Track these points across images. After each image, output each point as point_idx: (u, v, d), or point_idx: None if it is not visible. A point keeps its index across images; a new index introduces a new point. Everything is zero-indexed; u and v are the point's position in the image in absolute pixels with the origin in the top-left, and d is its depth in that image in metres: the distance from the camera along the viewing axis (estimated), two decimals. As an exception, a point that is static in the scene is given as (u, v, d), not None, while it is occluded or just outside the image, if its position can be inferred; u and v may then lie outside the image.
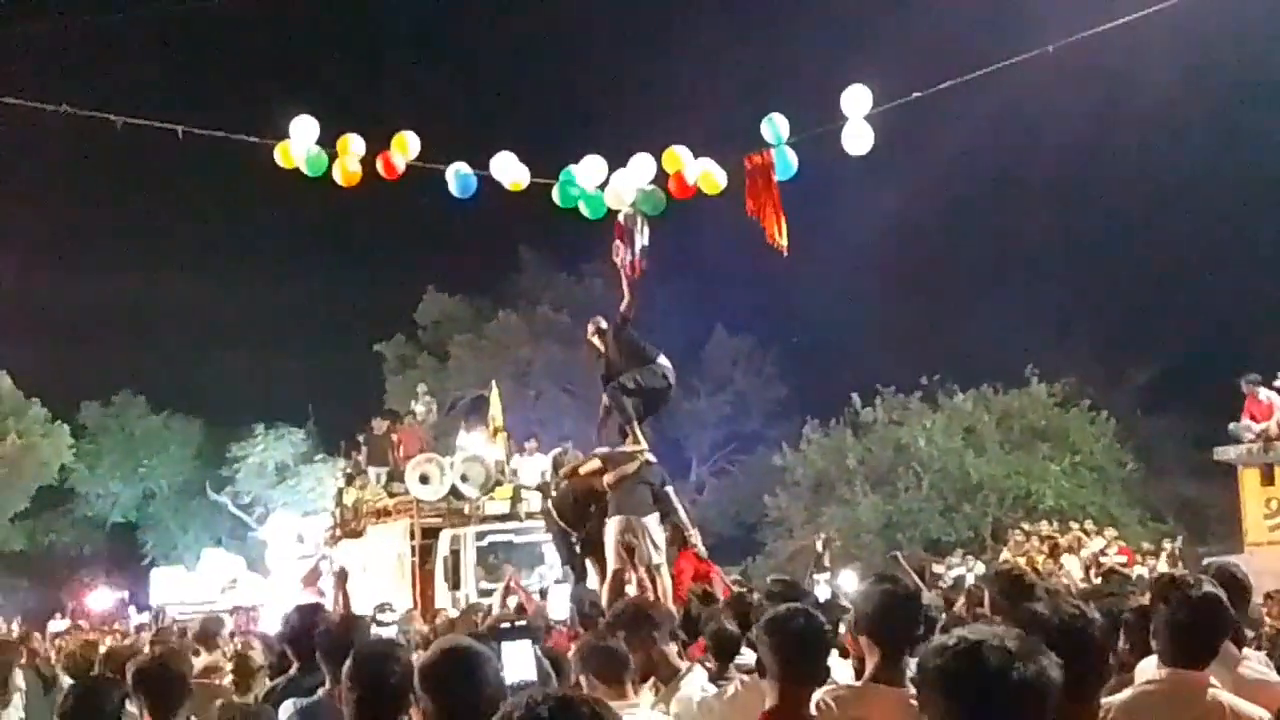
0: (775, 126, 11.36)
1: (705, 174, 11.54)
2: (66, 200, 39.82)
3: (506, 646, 4.06)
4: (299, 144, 11.62)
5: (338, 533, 22.77)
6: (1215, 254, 31.85)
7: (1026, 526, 23.39)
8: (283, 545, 28.13)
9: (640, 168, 11.51)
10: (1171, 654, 3.90)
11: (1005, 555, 21.12)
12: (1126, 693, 3.87)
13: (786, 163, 11.46)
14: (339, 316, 42.01)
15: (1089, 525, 22.56)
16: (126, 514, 44.06)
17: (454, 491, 19.11)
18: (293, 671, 5.72)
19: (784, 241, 11.60)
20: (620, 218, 11.44)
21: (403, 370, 40.01)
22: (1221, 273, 31.86)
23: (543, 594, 14.01)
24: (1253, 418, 17.04)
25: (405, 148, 12.04)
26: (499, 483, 19.40)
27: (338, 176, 11.82)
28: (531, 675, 4.08)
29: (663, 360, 11.29)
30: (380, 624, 5.77)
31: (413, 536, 19.03)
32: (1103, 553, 20.49)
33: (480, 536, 18.48)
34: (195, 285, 41.05)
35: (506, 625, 4.85)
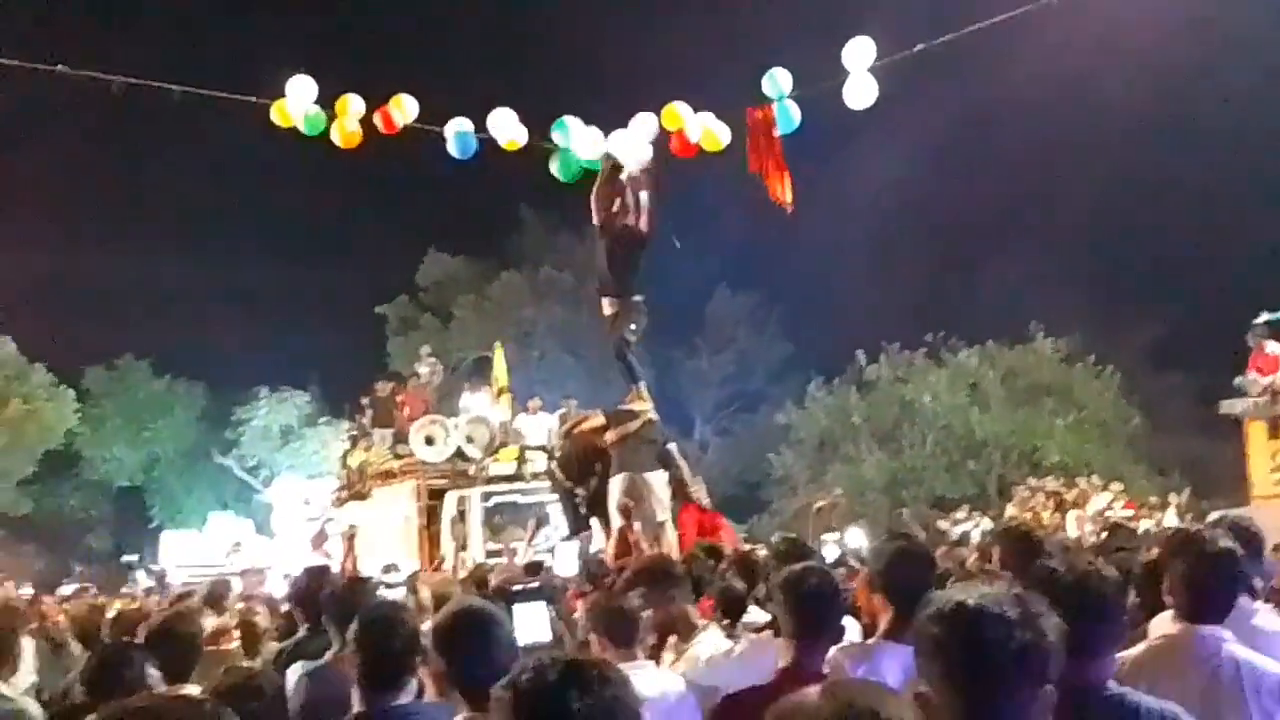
0: (776, 81, 11.23)
1: (707, 131, 11.42)
2: (68, 165, 39.64)
3: (519, 608, 4.05)
4: (296, 103, 11.52)
5: (343, 495, 22.82)
6: (1222, 207, 31.68)
7: (1032, 482, 23.41)
8: (289, 508, 28.20)
9: (641, 126, 11.39)
10: (1186, 608, 3.87)
11: (1011, 511, 21.14)
12: (1140, 647, 3.84)
13: (789, 117, 11.34)
14: (341, 278, 41.94)
15: (1094, 480, 22.56)
16: (132, 478, 44.14)
17: (459, 453, 19.13)
18: (300, 634, 5.72)
19: (788, 198, 11.50)
20: (622, 175, 11.32)
21: (405, 332, 40.01)
22: (1227, 226, 31.69)
23: (550, 552, 14.02)
24: (1259, 370, 16.96)
25: (403, 109, 11.95)
26: (504, 444, 19.41)
27: (336, 137, 11.73)
28: (546, 636, 4.07)
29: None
30: (388, 585, 5.75)
31: (418, 498, 19.08)
32: (1108, 507, 20.51)
33: (486, 497, 18.50)
34: (197, 249, 41.02)
35: (518, 587, 4.83)
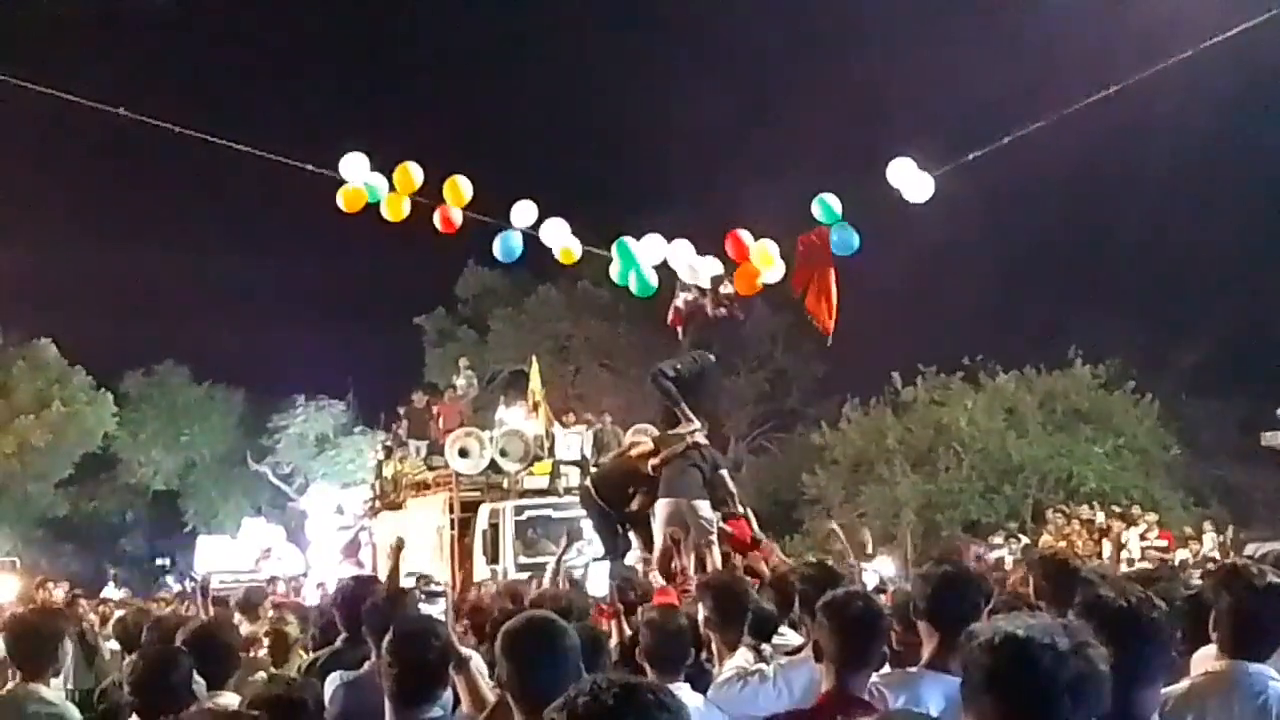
0: (828, 205, 11.33)
1: (761, 251, 11.47)
2: (112, 171, 40.08)
3: None
4: (356, 179, 11.60)
5: (377, 505, 22.91)
6: (1265, 235, 31.34)
7: (1066, 509, 23.21)
8: (322, 516, 28.37)
9: (706, 265, 11.48)
10: (1233, 644, 3.81)
11: (1046, 538, 20.96)
12: (1185, 683, 3.79)
13: (849, 239, 11.43)
14: (379, 289, 42.21)
15: (1133, 510, 22.34)
16: (168, 482, 44.50)
17: (493, 465, 19.14)
18: (338, 644, 5.73)
19: (830, 326, 11.76)
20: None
21: (442, 344, 40.15)
22: (1269, 255, 31.34)
23: (584, 569, 13.99)
24: (1302, 403, 16.80)
25: (458, 192, 12.06)
26: (538, 457, 19.41)
27: (385, 211, 11.85)
28: None
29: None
30: (431, 595, 5.74)
31: (452, 510, 19.10)
32: (1143, 536, 20.32)
33: (519, 511, 18.50)
34: (239, 257, 41.36)
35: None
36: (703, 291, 11.50)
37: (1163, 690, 3.50)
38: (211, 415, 43.89)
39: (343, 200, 11.65)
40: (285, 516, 36.13)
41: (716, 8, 38.52)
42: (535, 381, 21.60)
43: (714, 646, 5.05)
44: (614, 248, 11.94)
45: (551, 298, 39.62)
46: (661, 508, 10.34)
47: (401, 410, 22.98)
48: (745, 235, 11.45)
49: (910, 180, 11.08)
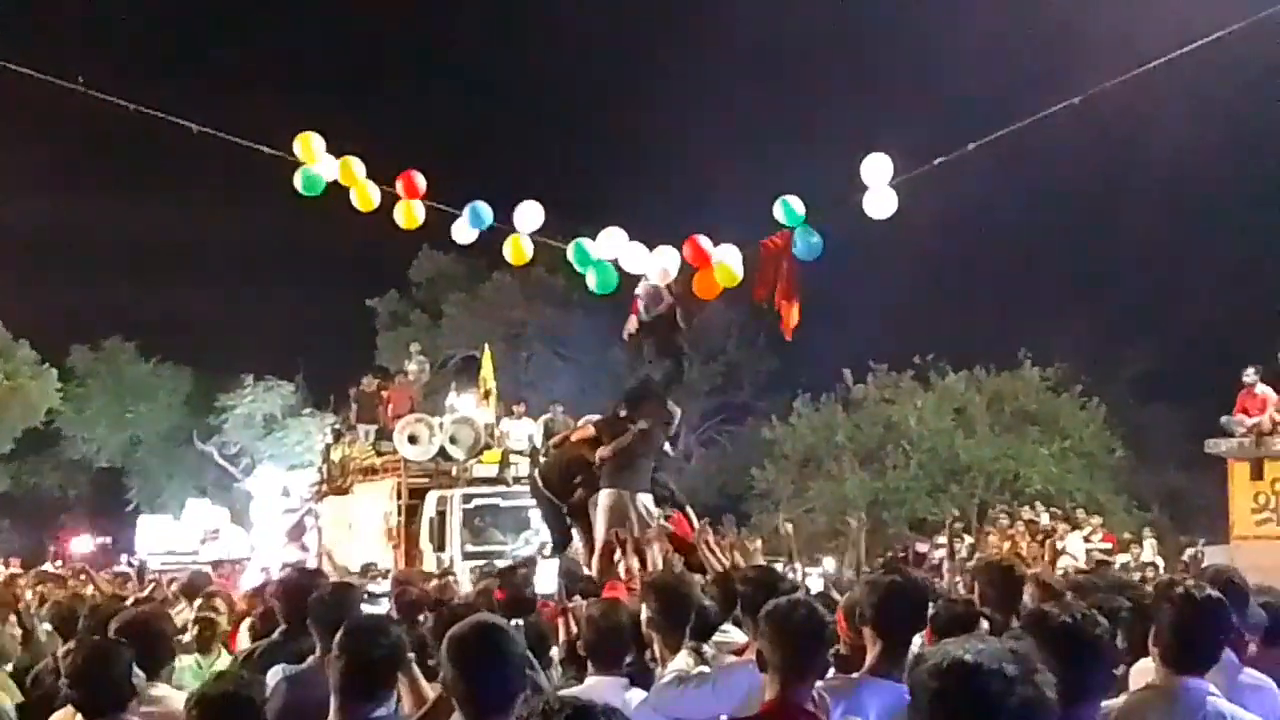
0: (790, 208, 11.13)
1: (721, 265, 11.30)
2: (59, 142, 39.48)
3: None
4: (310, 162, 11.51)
5: (324, 488, 22.76)
6: (1215, 245, 31.81)
7: (1010, 510, 23.42)
8: (268, 498, 28.13)
9: (663, 257, 11.30)
10: (1171, 658, 3.83)
11: (990, 539, 21.14)
12: (1124, 697, 3.81)
13: (810, 243, 11.22)
14: (332, 270, 41.83)
15: (1077, 512, 22.58)
16: (112, 459, 43.96)
17: (442, 452, 19.08)
18: (276, 636, 5.63)
19: (793, 324, 11.62)
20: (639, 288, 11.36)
21: (395, 327, 39.90)
22: (1220, 264, 31.81)
23: (528, 564, 13.92)
24: (1245, 411, 16.99)
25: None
26: (488, 446, 19.36)
27: (356, 201, 11.79)
28: None
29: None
30: (372, 595, 5.69)
31: (399, 496, 19.02)
32: (1087, 539, 20.53)
33: (467, 499, 18.44)
34: (189, 234, 40.86)
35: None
36: (668, 290, 11.38)
37: (1102, 704, 3.53)
38: (158, 393, 43.35)
39: (301, 183, 11.52)
40: (230, 498, 35.81)
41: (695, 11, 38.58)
42: (487, 369, 21.53)
43: (656, 647, 5.02)
44: (570, 249, 11.83)
45: (506, 284, 39.44)
46: (604, 498, 10.20)
47: (351, 394, 22.82)
48: (704, 241, 11.27)
49: (874, 195, 10.99)
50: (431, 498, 18.66)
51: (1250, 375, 17.10)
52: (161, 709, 4.54)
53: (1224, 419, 17.27)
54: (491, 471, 19.08)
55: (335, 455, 22.53)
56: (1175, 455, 29.14)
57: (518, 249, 12.39)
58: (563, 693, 3.50)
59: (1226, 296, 30.24)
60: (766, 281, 11.50)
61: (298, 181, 11.55)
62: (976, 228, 35.37)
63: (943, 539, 22.64)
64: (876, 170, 10.91)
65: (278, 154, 11.46)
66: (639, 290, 11.46)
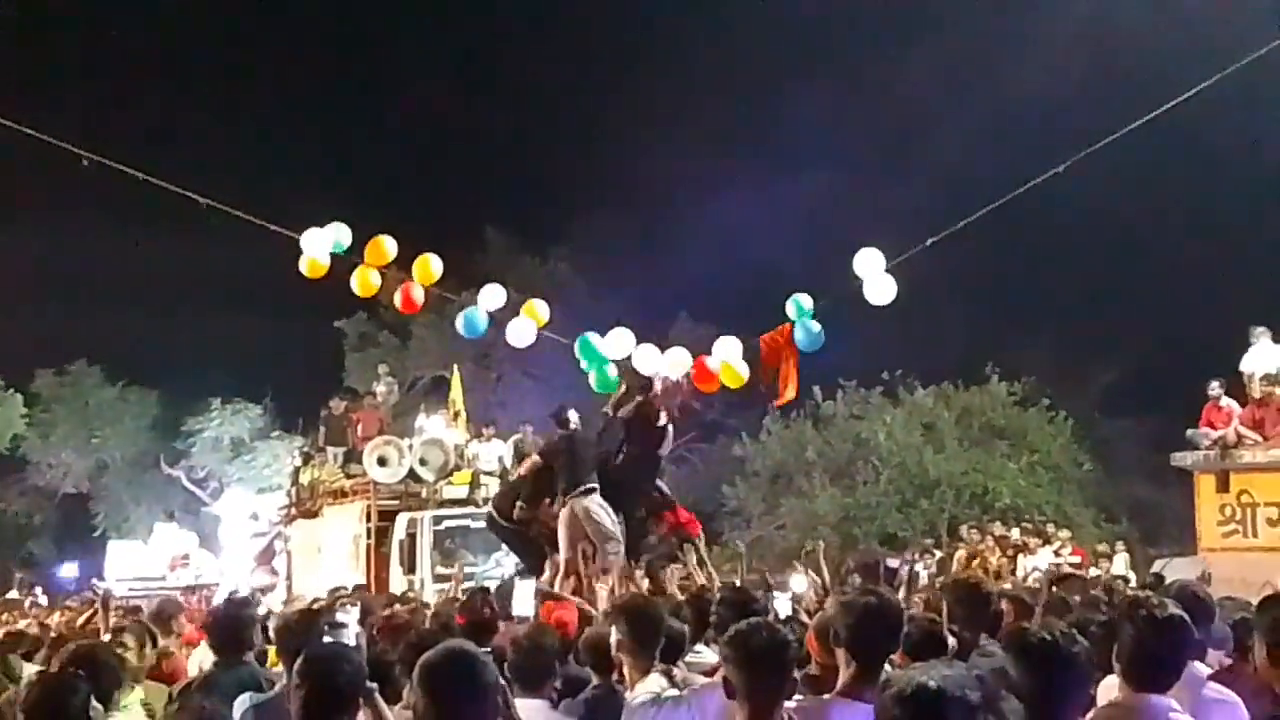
0: (800, 304, 11.70)
1: (727, 367, 11.86)
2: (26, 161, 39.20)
3: None
4: (321, 249, 12.44)
5: (293, 512, 22.63)
6: (1181, 258, 32.09)
7: (977, 525, 23.51)
8: (237, 522, 27.91)
9: (676, 357, 11.97)
10: (1135, 676, 3.86)
11: (960, 554, 21.20)
12: (1089, 715, 3.83)
13: (813, 335, 11.75)
14: (300, 291, 41.58)
15: (1047, 527, 22.69)
16: (79, 485, 43.48)
17: (412, 474, 19.02)
18: (210, 667, 5.56)
19: (789, 397, 12.15)
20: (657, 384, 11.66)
21: (363, 348, 39.71)
22: (1186, 277, 32.08)
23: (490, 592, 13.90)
24: (1210, 424, 17.14)
25: (428, 272, 12.74)
26: (458, 467, 19.32)
27: (355, 286, 12.08)
28: None
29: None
30: (335, 626, 5.63)
31: (369, 519, 18.94)
32: (1057, 553, 20.61)
33: (437, 521, 18.39)
34: (155, 256, 40.54)
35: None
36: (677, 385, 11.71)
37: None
38: (124, 417, 42.93)
39: (307, 268, 12.33)
40: (199, 522, 35.48)
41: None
42: (456, 390, 21.48)
43: (625, 670, 5.02)
44: (576, 345, 12.16)
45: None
46: (562, 515, 10.38)
47: (320, 416, 22.71)
48: (711, 362, 11.90)
49: (872, 284, 11.32)
50: (401, 520, 18.59)
51: (1215, 388, 17.26)
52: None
53: (1190, 432, 17.42)
54: (461, 493, 19.04)
55: (304, 478, 22.41)
56: (1142, 468, 29.32)
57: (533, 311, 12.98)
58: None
59: (1191, 311, 30.49)
60: (768, 376, 12.03)
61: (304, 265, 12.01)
62: (942, 246, 35.59)
63: (911, 555, 22.70)
64: (869, 263, 11.47)
65: (284, 232, 11.92)
66: (657, 383, 11.77)
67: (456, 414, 20.73)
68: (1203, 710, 4.01)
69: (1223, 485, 16.97)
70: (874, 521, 28.75)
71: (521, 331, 12.50)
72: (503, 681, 3.53)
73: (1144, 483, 29.62)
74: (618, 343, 11.88)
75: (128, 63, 44.49)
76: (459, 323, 12.65)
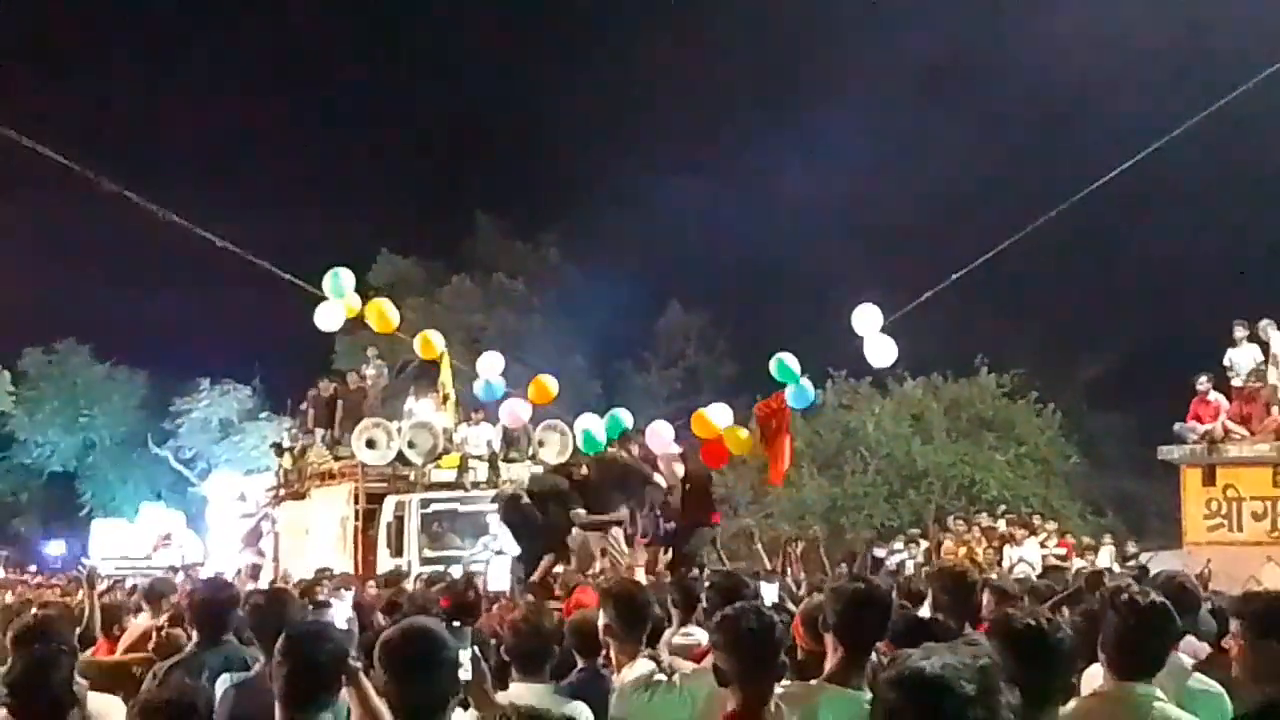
0: (786, 365, 12.08)
1: (732, 433, 12.89)
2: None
3: None
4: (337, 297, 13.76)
5: (281, 493, 22.59)
6: (1170, 252, 32.14)
7: (964, 516, 23.56)
8: (224, 503, 27.87)
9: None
10: (1119, 664, 3.86)
11: (946, 545, 21.24)
12: (1073, 703, 3.84)
13: (806, 395, 12.20)
14: (291, 272, 41.48)
15: (1034, 519, 22.73)
16: (66, 463, 43.43)
17: (400, 457, 18.98)
18: (189, 648, 5.54)
19: (783, 469, 12.62)
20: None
21: (353, 330, 39.60)
22: (1174, 271, 32.15)
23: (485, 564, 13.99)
24: (1198, 418, 17.20)
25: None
26: (446, 450, 19.28)
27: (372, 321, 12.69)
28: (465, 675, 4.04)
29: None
30: (319, 606, 5.62)
31: (357, 501, 18.91)
32: (1043, 545, 20.65)
33: (425, 504, 18.37)
34: (144, 234, 40.36)
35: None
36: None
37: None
38: (112, 396, 42.88)
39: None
40: (186, 502, 35.46)
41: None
42: (446, 374, 21.42)
43: (612, 654, 5.04)
44: (580, 437, 12.78)
45: (466, 289, 39.35)
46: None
47: (311, 394, 22.65)
48: (725, 443, 12.79)
49: (871, 344, 12.37)
50: (389, 503, 18.57)
51: (1203, 383, 17.32)
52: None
53: (1177, 426, 17.49)
54: (450, 476, 19.01)
55: (286, 462, 22.40)
56: (1129, 462, 29.43)
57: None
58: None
59: (1179, 304, 30.58)
60: (765, 441, 12.41)
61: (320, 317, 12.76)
62: (931, 236, 35.67)
63: (899, 544, 22.75)
64: (867, 321, 11.76)
65: (298, 282, 12.51)
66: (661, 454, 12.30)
67: (445, 398, 20.67)
68: (1188, 700, 4.02)
69: (1209, 479, 17.05)
70: (861, 512, 28.80)
71: (518, 410, 14.62)
72: (456, 656, 3.52)
73: (1130, 476, 29.73)
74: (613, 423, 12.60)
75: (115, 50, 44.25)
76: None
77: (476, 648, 4.29)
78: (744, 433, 12.47)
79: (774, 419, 12.58)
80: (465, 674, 3.98)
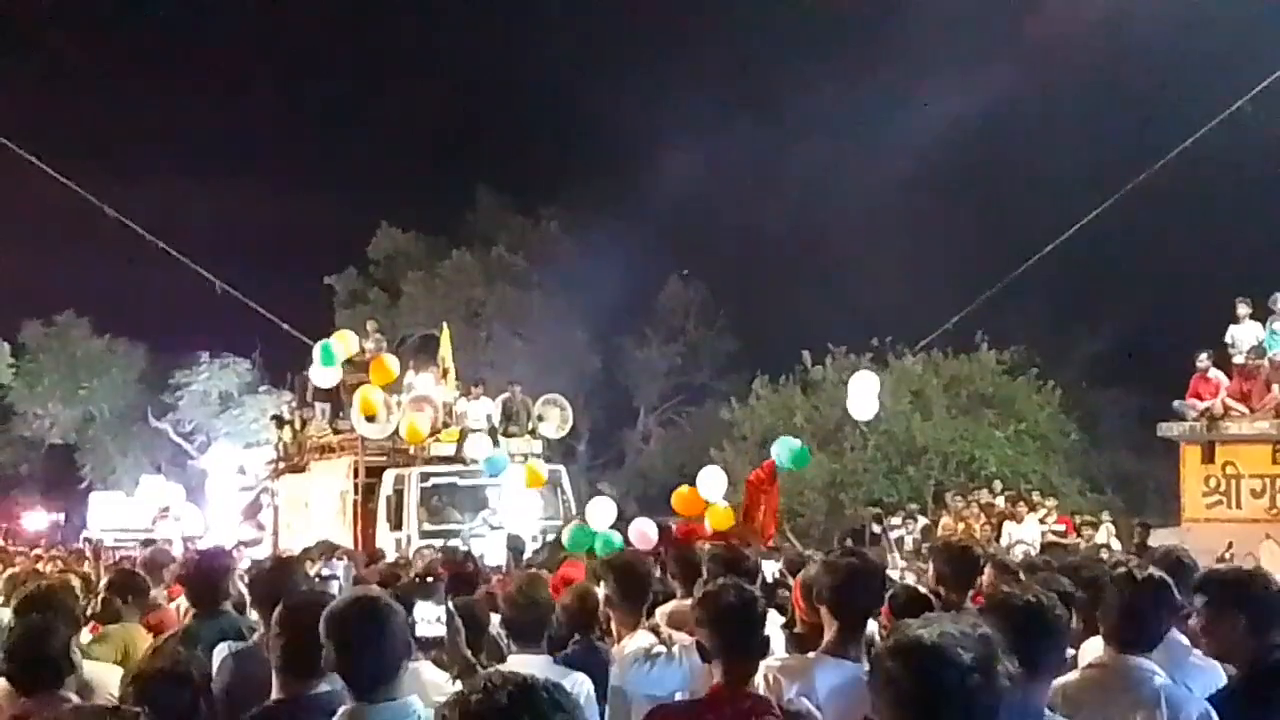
0: (791, 447, 12.52)
1: (714, 510, 12.75)
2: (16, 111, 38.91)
3: (420, 604, 4.02)
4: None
5: (280, 466, 22.63)
6: (1170, 228, 32.07)
7: (963, 492, 23.59)
8: (223, 476, 27.90)
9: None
10: (1117, 637, 3.91)
11: (945, 521, 21.29)
12: (1073, 675, 3.86)
13: (805, 455, 13.64)
14: (290, 246, 41.48)
15: (1033, 495, 22.78)
16: (65, 436, 43.44)
17: (399, 431, 19.00)
18: (188, 621, 5.54)
19: (770, 533, 12.81)
20: None
21: (353, 304, 39.63)
22: (1176, 248, 32.09)
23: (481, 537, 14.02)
24: (1198, 395, 17.19)
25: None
26: (445, 425, 19.29)
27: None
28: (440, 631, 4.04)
29: None
30: (322, 578, 5.62)
31: (356, 474, 18.94)
32: (1042, 521, 20.70)
33: (424, 478, 18.40)
34: (145, 208, 40.26)
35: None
36: None
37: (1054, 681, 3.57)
38: (112, 369, 42.82)
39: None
40: (185, 475, 35.46)
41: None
42: (446, 348, 21.43)
43: (612, 625, 5.07)
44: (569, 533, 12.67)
45: (466, 263, 39.32)
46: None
47: (308, 371, 22.64)
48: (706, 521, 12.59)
49: (859, 400, 13.09)
50: (389, 476, 18.60)
51: (1203, 360, 17.31)
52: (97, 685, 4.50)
53: (1176, 403, 17.48)
54: (449, 450, 19.03)
55: (290, 434, 22.41)
56: (1128, 439, 29.45)
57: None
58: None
59: (1180, 281, 30.54)
60: (754, 515, 12.70)
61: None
62: (932, 212, 35.65)
63: (897, 520, 22.79)
64: (863, 384, 12.20)
65: (297, 335, 12.75)
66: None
67: (445, 372, 20.68)
68: (1185, 676, 4.04)
69: (1208, 456, 17.06)
70: (861, 487, 28.82)
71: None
72: (405, 627, 3.52)
73: (1130, 453, 29.74)
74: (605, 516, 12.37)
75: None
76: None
77: (451, 603, 4.27)
78: (723, 506, 12.64)
79: (762, 489, 12.77)
80: (439, 630, 4.00)
